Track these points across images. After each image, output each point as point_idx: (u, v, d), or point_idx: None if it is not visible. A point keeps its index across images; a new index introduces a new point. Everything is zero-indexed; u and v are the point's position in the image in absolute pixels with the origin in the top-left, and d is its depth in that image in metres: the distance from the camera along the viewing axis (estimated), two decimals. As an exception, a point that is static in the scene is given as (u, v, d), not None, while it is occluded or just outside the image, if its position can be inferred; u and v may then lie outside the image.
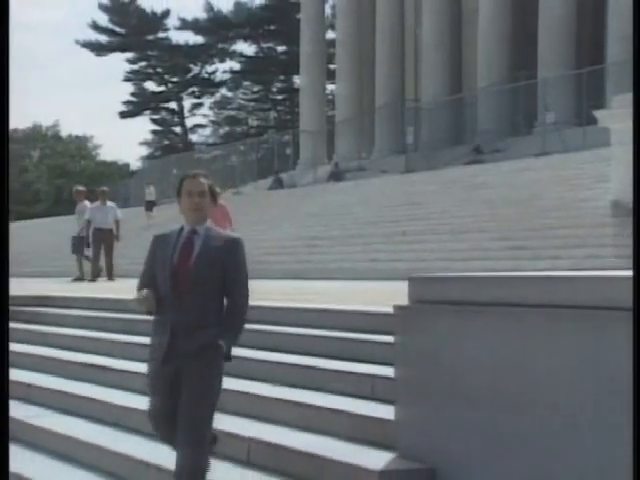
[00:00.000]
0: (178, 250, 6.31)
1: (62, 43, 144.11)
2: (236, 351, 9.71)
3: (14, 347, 12.85)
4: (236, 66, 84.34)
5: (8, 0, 4.32)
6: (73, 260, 24.32)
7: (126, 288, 11.37)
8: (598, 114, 24.69)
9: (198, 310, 6.24)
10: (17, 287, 20.12)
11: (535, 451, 5.87)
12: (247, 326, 10.60)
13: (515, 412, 6.00)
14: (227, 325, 6.38)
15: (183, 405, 6.25)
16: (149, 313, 6.40)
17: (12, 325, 14.22)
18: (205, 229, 6.43)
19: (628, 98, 24.35)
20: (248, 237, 30.59)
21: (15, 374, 11.32)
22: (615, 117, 23.29)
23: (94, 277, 23.25)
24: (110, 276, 23.40)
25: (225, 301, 6.46)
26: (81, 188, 25.81)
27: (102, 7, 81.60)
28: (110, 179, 68.22)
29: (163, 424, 6.58)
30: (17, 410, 9.77)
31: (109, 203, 24.26)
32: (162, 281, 6.37)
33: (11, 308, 14.99)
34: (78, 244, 24.20)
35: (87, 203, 24.86)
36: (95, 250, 23.39)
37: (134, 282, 6.57)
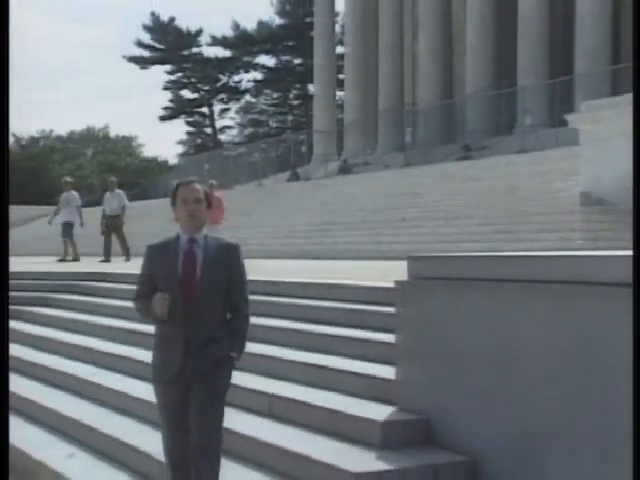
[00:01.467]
0: (181, 261, 5.43)
1: (112, 58, 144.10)
2: (259, 320, 9.79)
3: (78, 316, 12.92)
4: (258, 76, 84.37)
5: (8, 1, 4.14)
6: (115, 242, 23.62)
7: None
8: (568, 117, 24.64)
9: (210, 322, 5.41)
10: (77, 265, 20.30)
11: (513, 404, 5.90)
12: (268, 298, 10.77)
13: (497, 372, 6.03)
14: (236, 334, 5.55)
15: (197, 420, 5.39)
16: (158, 320, 5.44)
17: (72, 297, 14.33)
18: (203, 237, 5.54)
19: (593, 104, 24.40)
20: (269, 223, 30.86)
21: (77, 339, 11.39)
22: (583, 120, 23.28)
23: (107, 258, 22.08)
24: (127, 256, 22.18)
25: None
26: (69, 179, 24.50)
27: (145, 27, 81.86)
28: (151, 174, 68.32)
29: (180, 461, 5.52)
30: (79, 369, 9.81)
31: (117, 191, 23.05)
32: (168, 288, 5.44)
33: (71, 282, 15.14)
34: (67, 229, 23.18)
35: (74, 193, 23.84)
36: (105, 235, 22.65)
37: None
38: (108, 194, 23.18)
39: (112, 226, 22.53)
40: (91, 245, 24.70)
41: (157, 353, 5.59)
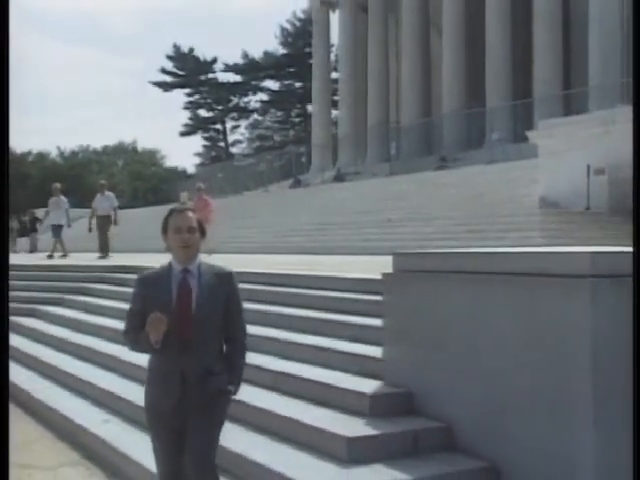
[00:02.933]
0: (175, 292, 4.48)
1: (140, 82, 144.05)
2: (263, 307, 9.77)
3: (108, 303, 12.92)
4: (264, 97, 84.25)
5: (8, 1, 3.92)
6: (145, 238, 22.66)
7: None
8: (529, 134, 24.72)
9: (208, 354, 4.53)
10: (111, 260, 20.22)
11: (483, 379, 5.89)
12: (271, 288, 10.76)
13: (469, 352, 6.03)
14: (234, 366, 4.68)
15: (192, 456, 4.53)
16: (152, 349, 4.47)
17: (106, 287, 14.31)
18: (197, 266, 4.59)
19: (549, 122, 24.48)
20: (273, 223, 30.83)
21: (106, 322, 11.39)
22: (540, 136, 23.38)
23: (104, 254, 21.11)
24: (105, 252, 21.17)
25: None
26: (58, 185, 23.27)
27: (168, 57, 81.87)
28: (172, 181, 68.16)
29: None
30: (110, 348, 9.79)
31: (107, 193, 21.76)
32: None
33: (104, 274, 15.08)
34: (57, 230, 22.32)
35: (63, 197, 22.81)
36: (99, 233, 21.70)
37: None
38: (99, 196, 21.89)
39: (102, 224, 21.58)
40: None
41: (152, 388, 4.64)
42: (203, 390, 4.50)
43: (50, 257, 21.82)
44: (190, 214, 4.60)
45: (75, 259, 20.35)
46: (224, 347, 4.69)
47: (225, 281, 4.61)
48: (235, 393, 4.68)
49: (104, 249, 21.46)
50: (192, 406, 4.50)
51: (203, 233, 4.65)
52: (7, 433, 4.26)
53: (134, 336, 4.58)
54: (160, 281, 4.54)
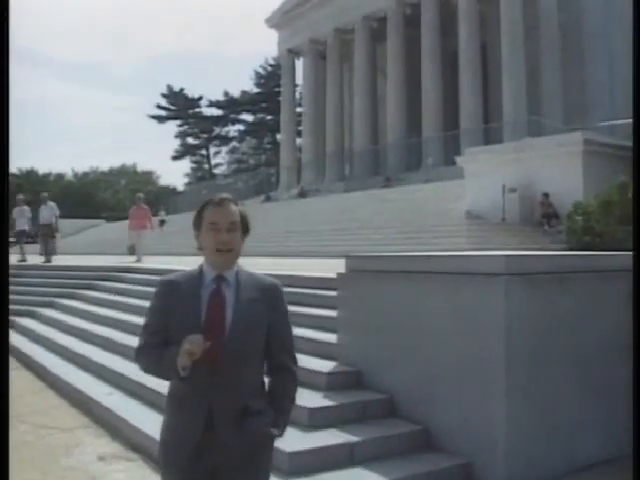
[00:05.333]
0: (206, 305, 2.87)
1: (139, 116, 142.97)
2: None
3: (112, 297, 12.75)
4: (242, 128, 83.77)
5: (8, 2, 3.43)
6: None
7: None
8: (457, 159, 24.91)
9: (245, 387, 2.85)
10: (103, 260, 19.93)
11: (417, 357, 5.91)
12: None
13: (407, 335, 6.03)
14: (281, 403, 2.95)
15: None
16: (176, 377, 2.79)
17: (112, 284, 14.12)
18: (235, 274, 2.96)
19: (473, 150, 24.69)
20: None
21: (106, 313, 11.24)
22: (466, 161, 23.58)
23: (48, 258, 19.33)
24: (48, 256, 19.39)
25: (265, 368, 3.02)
26: (22, 197, 21.35)
27: (163, 95, 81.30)
28: (165, 197, 67.75)
29: None
30: (114, 334, 9.66)
31: (50, 203, 19.97)
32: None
33: (104, 273, 14.87)
34: (22, 236, 20.60)
35: (26, 207, 20.76)
36: (40, 240, 20.36)
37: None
38: (42, 207, 20.00)
39: (45, 232, 19.95)
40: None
41: (170, 419, 2.91)
42: (240, 435, 2.79)
43: (22, 261, 19.76)
44: (232, 206, 2.95)
45: (83, 261, 20.11)
46: (266, 378, 2.99)
47: (270, 294, 2.97)
48: (281, 436, 2.95)
49: (47, 253, 19.78)
50: (221, 456, 2.80)
51: (246, 230, 3.00)
52: (7, 432, 3.60)
53: (151, 357, 2.89)
54: (188, 289, 2.89)
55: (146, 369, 2.95)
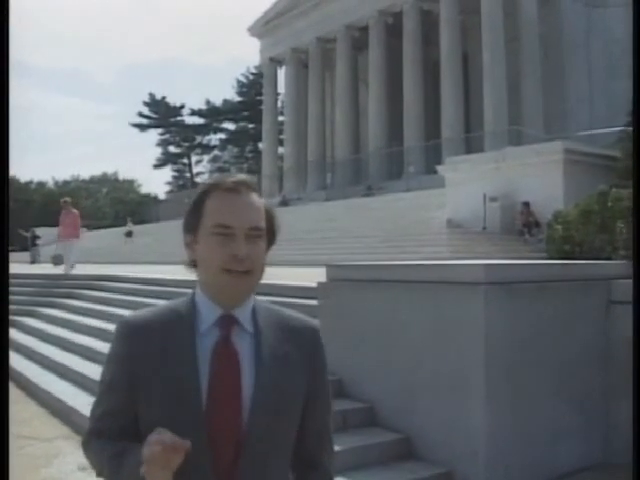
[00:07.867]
0: (207, 367, 1.52)
1: (120, 125, 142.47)
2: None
3: (93, 306, 12.66)
4: (223, 137, 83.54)
5: (8, 2, 3.51)
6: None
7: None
8: (438, 168, 24.93)
9: None
10: (87, 269, 19.80)
11: (398, 367, 5.91)
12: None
13: (387, 344, 6.04)
14: None
15: None
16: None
17: (92, 293, 14.04)
18: (251, 312, 1.64)
19: (453, 159, 24.77)
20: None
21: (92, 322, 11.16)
22: (447, 170, 23.62)
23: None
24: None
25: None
26: None
27: (145, 103, 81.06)
28: (147, 205, 67.52)
29: None
30: (94, 344, 9.60)
31: None
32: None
33: (86, 282, 14.77)
34: None
35: None
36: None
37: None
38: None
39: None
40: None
41: None
42: None
43: None
44: (254, 197, 1.73)
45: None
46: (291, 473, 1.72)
47: (310, 347, 1.76)
48: None
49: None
50: None
51: (273, 238, 1.73)
52: (7, 431, 3.54)
53: (104, 460, 1.58)
54: (171, 340, 1.60)
55: (99, 474, 1.62)
